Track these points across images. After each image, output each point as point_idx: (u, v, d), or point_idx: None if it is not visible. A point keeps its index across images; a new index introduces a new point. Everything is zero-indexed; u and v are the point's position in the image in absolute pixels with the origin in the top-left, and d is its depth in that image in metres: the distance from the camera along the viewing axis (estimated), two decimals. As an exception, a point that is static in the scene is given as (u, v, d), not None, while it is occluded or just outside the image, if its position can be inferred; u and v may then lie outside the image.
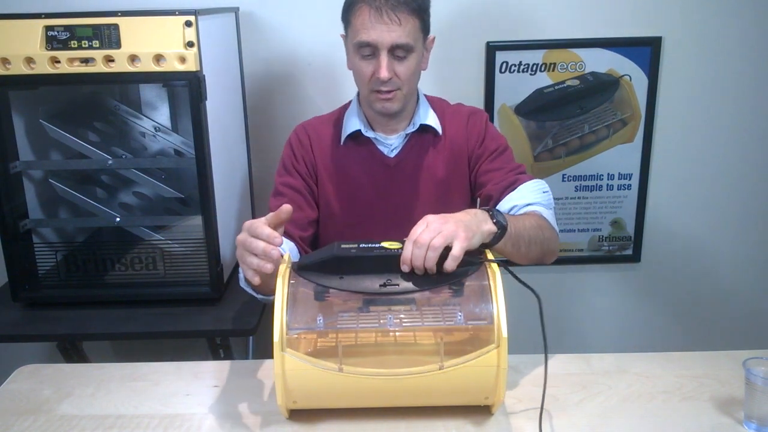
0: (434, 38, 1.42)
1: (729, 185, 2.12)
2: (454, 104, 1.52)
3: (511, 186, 1.36)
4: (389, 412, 1.07)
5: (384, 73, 1.30)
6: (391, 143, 1.44)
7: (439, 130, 1.44)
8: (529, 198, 1.33)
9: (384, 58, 1.30)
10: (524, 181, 1.35)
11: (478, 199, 1.44)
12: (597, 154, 2.06)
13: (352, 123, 1.44)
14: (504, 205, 1.34)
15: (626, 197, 2.11)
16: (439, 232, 1.02)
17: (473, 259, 1.07)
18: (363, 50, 1.32)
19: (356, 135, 1.44)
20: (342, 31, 1.39)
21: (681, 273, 2.21)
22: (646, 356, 1.25)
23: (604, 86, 1.99)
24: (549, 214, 1.33)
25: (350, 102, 1.50)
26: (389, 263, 1.05)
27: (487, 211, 1.14)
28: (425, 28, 1.36)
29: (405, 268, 1.03)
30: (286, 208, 1.06)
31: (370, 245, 1.08)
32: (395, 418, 1.06)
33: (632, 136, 2.04)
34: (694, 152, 2.08)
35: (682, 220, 2.15)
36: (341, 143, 1.44)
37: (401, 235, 1.09)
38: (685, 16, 1.95)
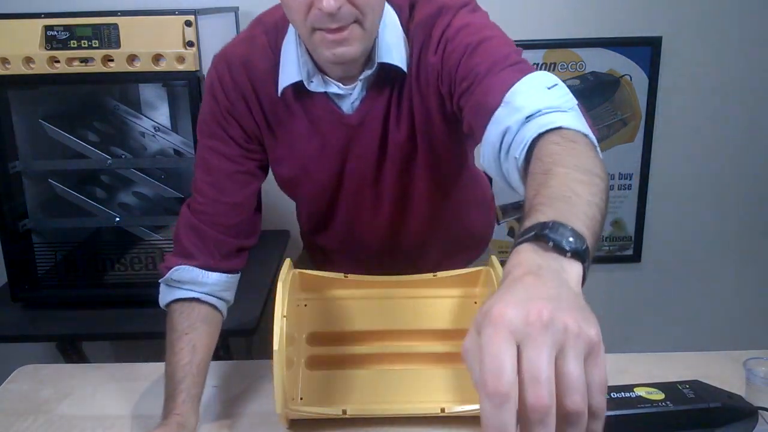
0: None
1: (730, 185, 2.11)
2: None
3: (497, 92, 0.82)
4: (390, 422, 1.06)
5: (327, 2, 0.82)
6: (349, 93, 0.98)
7: (403, 65, 0.96)
8: (533, 105, 0.76)
9: None
10: (517, 79, 0.81)
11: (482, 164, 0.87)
12: (597, 154, 2.05)
13: (290, 70, 0.97)
14: (493, 138, 0.79)
15: (626, 197, 2.10)
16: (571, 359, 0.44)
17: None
18: None
19: (298, 85, 0.98)
20: None
21: (681, 273, 2.20)
22: (646, 356, 1.25)
23: (604, 86, 1.99)
24: (574, 121, 0.74)
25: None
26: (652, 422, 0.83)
27: (543, 238, 0.54)
28: None
29: None
30: None
31: (623, 395, 0.85)
32: (397, 425, 1.06)
33: (632, 136, 2.04)
34: (695, 152, 2.08)
35: (682, 220, 2.15)
36: (279, 94, 1.00)
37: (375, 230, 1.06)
38: (686, 15, 1.94)
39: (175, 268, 1.03)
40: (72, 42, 1.45)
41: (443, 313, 1.12)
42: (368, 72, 0.96)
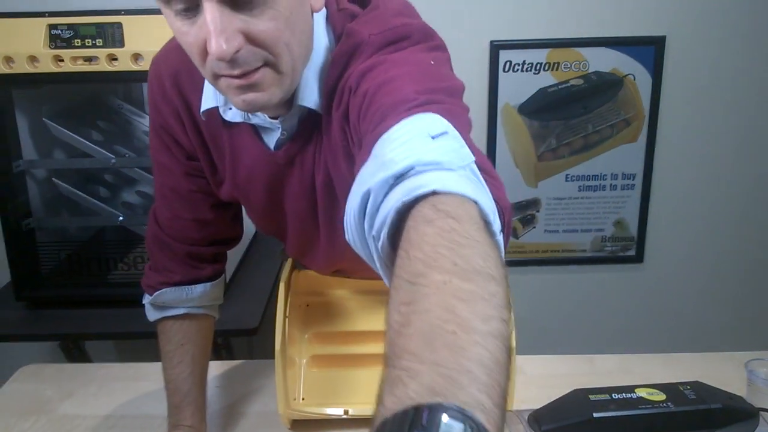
0: None
1: (733, 185, 2.11)
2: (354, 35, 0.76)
3: (368, 143, 0.63)
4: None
5: (217, 46, 0.64)
6: (274, 127, 0.83)
7: (316, 106, 0.79)
8: (405, 159, 0.55)
9: (211, 11, 0.64)
10: (396, 122, 0.60)
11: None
12: (600, 154, 2.05)
13: (208, 92, 0.83)
14: (354, 204, 0.57)
15: (630, 197, 2.10)
16: None
17: None
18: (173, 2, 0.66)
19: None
20: None
21: (685, 274, 2.20)
22: (649, 357, 1.25)
23: (607, 86, 1.98)
24: (457, 182, 0.53)
25: None
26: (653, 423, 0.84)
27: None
28: None
29: None
30: None
31: (625, 396, 0.87)
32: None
33: (636, 136, 2.04)
34: (698, 152, 2.07)
35: (686, 220, 2.14)
36: (202, 117, 0.86)
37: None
38: (689, 15, 1.94)
39: (158, 293, 0.99)
40: (76, 41, 1.45)
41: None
42: (285, 116, 0.80)
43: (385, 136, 0.59)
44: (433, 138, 0.56)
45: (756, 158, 2.08)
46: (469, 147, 0.58)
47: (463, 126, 0.61)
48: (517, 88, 1.97)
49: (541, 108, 1.99)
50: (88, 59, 1.45)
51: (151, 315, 1.03)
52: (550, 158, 2.05)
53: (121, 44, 1.44)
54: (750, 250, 2.18)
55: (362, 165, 0.60)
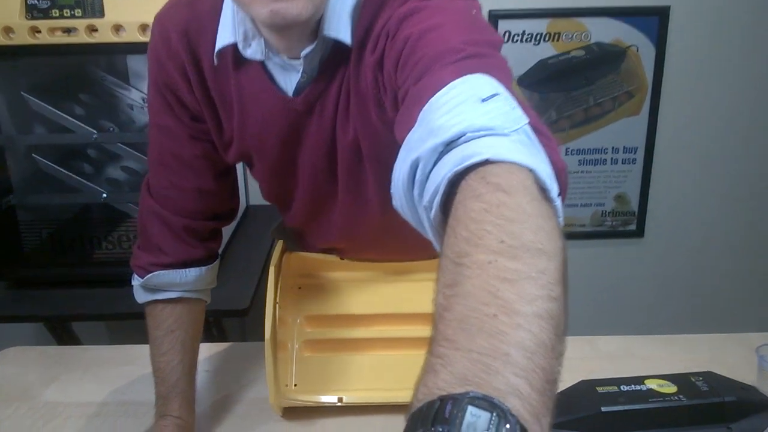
0: None
1: (737, 159, 2.06)
2: None
3: (423, 100, 0.57)
4: (389, 410, 1.02)
5: None
6: (295, 70, 0.79)
7: (348, 39, 0.75)
8: (455, 125, 0.51)
9: None
10: (445, 83, 0.56)
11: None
12: (602, 128, 1.99)
13: (225, 31, 0.79)
14: (404, 172, 0.54)
15: (631, 171, 2.05)
16: None
17: None
18: None
19: (235, 52, 0.80)
20: None
21: (685, 249, 2.16)
22: (652, 339, 1.21)
23: (609, 57, 1.92)
24: (512, 149, 0.49)
25: None
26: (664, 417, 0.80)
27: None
28: None
29: None
30: None
31: (634, 388, 0.83)
32: (396, 413, 1.02)
33: (638, 109, 1.98)
34: (702, 125, 2.02)
35: (687, 195, 2.10)
36: (215, 63, 0.82)
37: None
38: (695, -17, 1.87)
39: (150, 275, 0.94)
40: (54, 11, 1.38)
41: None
42: (308, 49, 0.74)
43: (432, 101, 0.55)
44: (483, 101, 0.53)
45: (761, 133, 2.03)
46: (521, 107, 0.54)
47: (508, 83, 0.58)
48: (516, 60, 1.91)
49: (542, 80, 1.93)
50: (67, 30, 1.39)
51: (141, 297, 0.98)
52: (551, 131, 1.99)
53: (101, 14, 1.37)
54: (754, 225, 2.14)
55: (404, 126, 0.57)
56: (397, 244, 1.02)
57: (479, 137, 0.50)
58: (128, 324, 2.07)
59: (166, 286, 0.96)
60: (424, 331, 1.03)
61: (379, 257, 1.07)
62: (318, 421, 1.01)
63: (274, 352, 0.90)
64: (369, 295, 1.08)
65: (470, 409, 0.31)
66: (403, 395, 0.99)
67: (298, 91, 0.80)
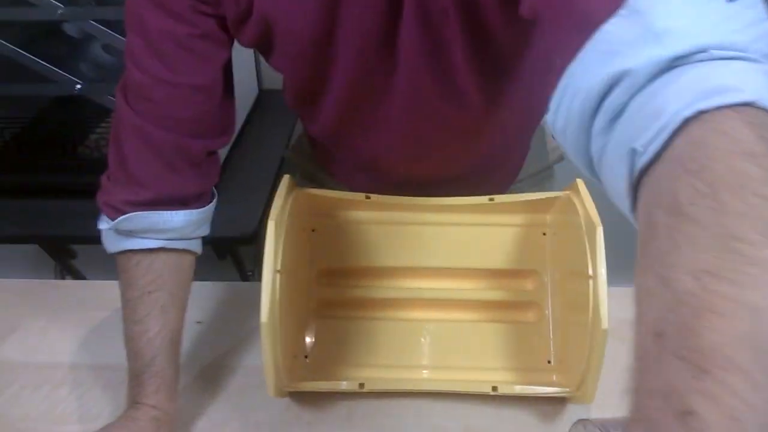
0: None
1: None
2: None
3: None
4: (413, 395, 0.81)
5: None
6: None
7: None
8: (693, 32, 0.36)
9: None
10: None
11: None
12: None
13: None
14: (587, 86, 0.39)
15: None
16: None
17: None
18: None
19: None
20: None
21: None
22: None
23: None
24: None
25: None
26: None
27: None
28: None
29: None
30: None
31: None
32: (421, 398, 0.81)
33: None
34: None
35: None
36: None
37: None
38: None
39: (124, 217, 0.71)
40: None
41: (500, 246, 0.84)
42: None
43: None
44: (729, 0, 0.36)
45: None
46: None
47: None
48: None
49: None
50: None
51: (111, 245, 0.75)
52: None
53: None
54: None
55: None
56: (484, 168, 0.85)
57: (730, 58, 0.35)
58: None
59: (144, 232, 0.73)
60: (470, 292, 0.79)
61: (436, 187, 0.83)
62: (328, 405, 0.80)
63: (274, 339, 0.66)
64: (402, 243, 0.84)
65: None
66: (438, 382, 0.77)
67: None
